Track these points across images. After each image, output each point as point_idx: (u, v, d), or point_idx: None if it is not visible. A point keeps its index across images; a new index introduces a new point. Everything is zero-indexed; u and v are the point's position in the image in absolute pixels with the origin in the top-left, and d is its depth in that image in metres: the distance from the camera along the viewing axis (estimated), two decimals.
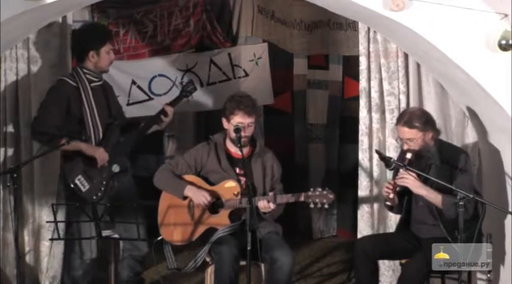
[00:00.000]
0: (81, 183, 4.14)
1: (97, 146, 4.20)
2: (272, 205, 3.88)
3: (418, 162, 3.86)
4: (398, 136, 3.93)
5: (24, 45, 4.39)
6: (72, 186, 4.14)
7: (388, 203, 3.94)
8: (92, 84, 4.26)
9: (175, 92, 5.03)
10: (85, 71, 4.24)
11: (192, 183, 4.02)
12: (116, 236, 4.11)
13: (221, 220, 3.98)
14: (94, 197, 4.13)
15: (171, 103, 4.52)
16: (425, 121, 3.83)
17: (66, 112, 4.17)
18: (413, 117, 3.82)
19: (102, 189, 4.17)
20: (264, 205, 3.88)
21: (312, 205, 3.90)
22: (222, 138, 4.13)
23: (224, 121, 4.06)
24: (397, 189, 3.85)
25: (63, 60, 4.48)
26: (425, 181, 3.77)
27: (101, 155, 4.17)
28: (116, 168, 4.18)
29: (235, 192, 3.96)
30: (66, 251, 4.44)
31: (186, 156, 4.14)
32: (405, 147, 3.86)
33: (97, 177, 4.17)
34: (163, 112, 4.44)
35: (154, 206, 4.11)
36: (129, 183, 4.47)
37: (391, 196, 3.85)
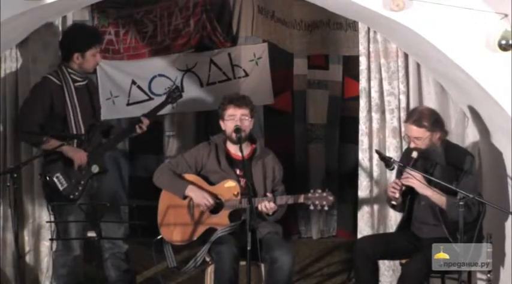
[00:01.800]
0: (60, 181, 4.13)
1: (78, 148, 4.19)
2: (273, 205, 3.88)
3: (423, 161, 3.87)
4: (405, 133, 3.93)
5: (24, 45, 4.38)
6: (50, 183, 4.13)
7: (393, 202, 3.94)
8: (76, 84, 4.23)
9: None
10: (70, 70, 4.21)
11: (192, 183, 4.02)
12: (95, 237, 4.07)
13: (221, 220, 3.98)
14: (71, 196, 4.13)
15: (155, 109, 4.51)
16: (434, 121, 3.83)
17: (50, 110, 4.16)
18: (423, 116, 3.82)
19: (80, 188, 4.16)
20: (265, 205, 3.87)
21: (311, 207, 3.90)
22: (222, 139, 4.13)
23: (220, 122, 4.10)
24: (403, 188, 3.85)
25: None
26: (429, 181, 3.77)
27: (80, 158, 4.16)
28: (95, 169, 4.18)
29: (235, 192, 3.96)
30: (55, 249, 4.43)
31: (187, 155, 4.14)
32: (412, 145, 3.86)
33: (76, 176, 4.16)
34: (139, 123, 4.39)
35: (152, 206, 4.11)
36: (110, 183, 4.48)
37: (397, 195, 3.85)
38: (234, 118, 4.01)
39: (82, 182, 4.17)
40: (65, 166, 4.16)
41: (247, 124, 4.04)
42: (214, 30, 5.60)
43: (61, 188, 4.13)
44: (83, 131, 4.21)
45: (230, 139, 4.07)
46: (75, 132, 4.18)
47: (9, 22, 3.68)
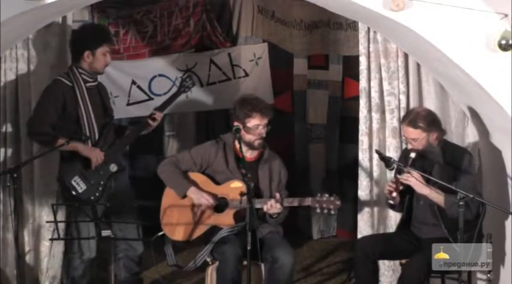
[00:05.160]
0: (78, 184, 4.11)
1: (93, 147, 4.18)
2: (279, 206, 3.87)
3: (421, 161, 3.87)
4: (403, 135, 3.94)
5: (24, 45, 4.38)
6: (68, 187, 4.12)
7: (390, 201, 3.94)
8: (87, 84, 4.23)
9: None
10: (80, 70, 4.21)
11: (197, 182, 4.00)
12: (111, 235, 4.09)
13: (225, 220, 3.96)
14: (92, 198, 4.10)
15: (168, 101, 4.46)
16: (430, 122, 3.83)
17: (62, 111, 4.15)
18: (418, 117, 3.81)
19: (100, 189, 4.14)
20: (271, 204, 3.86)
21: (318, 210, 3.90)
22: (232, 138, 4.09)
23: (237, 123, 4.01)
24: (400, 187, 3.85)
25: (62, 60, 4.48)
26: (427, 180, 3.78)
27: (97, 156, 4.15)
28: (113, 168, 4.16)
29: (241, 193, 3.95)
30: (66, 251, 4.43)
31: (193, 152, 4.10)
32: (409, 146, 3.87)
33: (94, 177, 4.14)
34: (151, 116, 4.37)
35: (154, 206, 4.11)
36: (126, 182, 4.47)
37: (394, 194, 3.85)
38: (259, 128, 3.97)
39: (102, 182, 4.15)
40: (82, 169, 4.14)
41: (266, 131, 4.02)
42: (214, 30, 5.61)
43: (80, 191, 4.10)
44: (96, 131, 4.20)
45: (250, 146, 4.03)
46: (88, 132, 4.16)
47: (9, 22, 3.68)
